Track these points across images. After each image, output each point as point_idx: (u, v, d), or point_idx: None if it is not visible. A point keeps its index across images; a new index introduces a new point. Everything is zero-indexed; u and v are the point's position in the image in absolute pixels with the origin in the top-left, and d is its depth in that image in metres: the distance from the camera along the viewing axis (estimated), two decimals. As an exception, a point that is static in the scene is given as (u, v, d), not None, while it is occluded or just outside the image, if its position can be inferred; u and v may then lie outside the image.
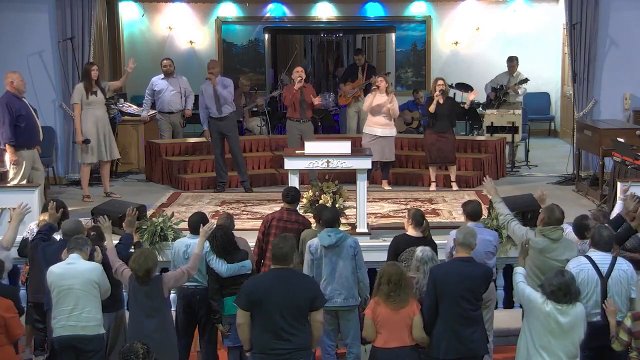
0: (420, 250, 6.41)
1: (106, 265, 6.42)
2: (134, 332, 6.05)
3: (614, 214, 7.17)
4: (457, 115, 11.23)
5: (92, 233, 6.80)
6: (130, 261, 6.11)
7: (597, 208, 7.14)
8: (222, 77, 11.03)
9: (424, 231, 6.99)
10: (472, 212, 7.02)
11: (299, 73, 10.84)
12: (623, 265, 6.08)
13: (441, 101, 10.68)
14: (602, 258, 6.06)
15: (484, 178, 7.73)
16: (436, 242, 7.01)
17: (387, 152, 10.79)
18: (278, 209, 7.73)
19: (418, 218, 6.98)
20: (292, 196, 7.58)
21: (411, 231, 7.01)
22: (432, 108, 10.73)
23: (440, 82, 10.84)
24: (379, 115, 10.66)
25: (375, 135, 10.66)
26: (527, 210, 8.05)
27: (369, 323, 5.88)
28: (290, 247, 5.75)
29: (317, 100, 10.92)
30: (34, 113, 9.66)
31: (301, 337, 5.61)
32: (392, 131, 10.79)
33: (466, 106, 11.29)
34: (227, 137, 10.91)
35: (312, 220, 8.62)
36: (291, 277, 5.70)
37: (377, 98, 10.65)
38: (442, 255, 6.92)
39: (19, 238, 7.39)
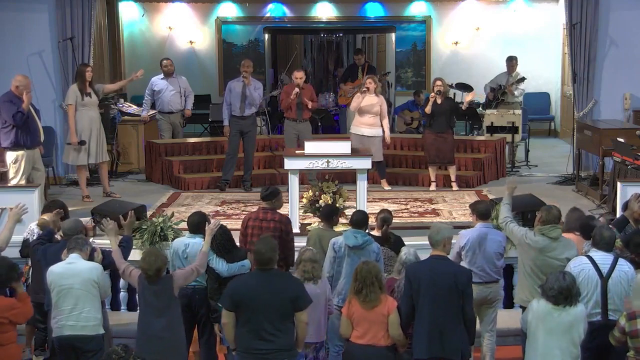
0: (404, 253, 6.42)
1: (106, 266, 6.43)
2: (143, 331, 6.01)
3: None
4: (457, 116, 11.21)
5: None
6: (140, 261, 6.10)
7: (604, 214, 7.12)
8: (252, 78, 11.01)
9: (384, 232, 7.26)
10: (484, 211, 7.01)
11: (297, 80, 10.77)
12: (624, 266, 6.06)
13: (439, 101, 10.69)
14: (603, 258, 6.04)
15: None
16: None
17: (375, 152, 10.74)
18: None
19: (379, 222, 7.29)
20: (271, 194, 7.55)
21: (375, 232, 7.31)
22: (428, 108, 10.78)
23: (438, 82, 10.85)
24: (367, 116, 10.58)
25: (363, 135, 10.58)
26: (526, 211, 8.06)
27: (344, 320, 5.92)
28: (272, 250, 5.72)
29: (310, 105, 10.82)
30: (35, 113, 9.66)
31: (284, 338, 5.59)
32: (378, 131, 10.67)
33: (464, 107, 11.24)
34: (245, 134, 10.98)
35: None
36: (274, 277, 5.69)
37: (366, 99, 10.57)
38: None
39: (16, 238, 7.37)
